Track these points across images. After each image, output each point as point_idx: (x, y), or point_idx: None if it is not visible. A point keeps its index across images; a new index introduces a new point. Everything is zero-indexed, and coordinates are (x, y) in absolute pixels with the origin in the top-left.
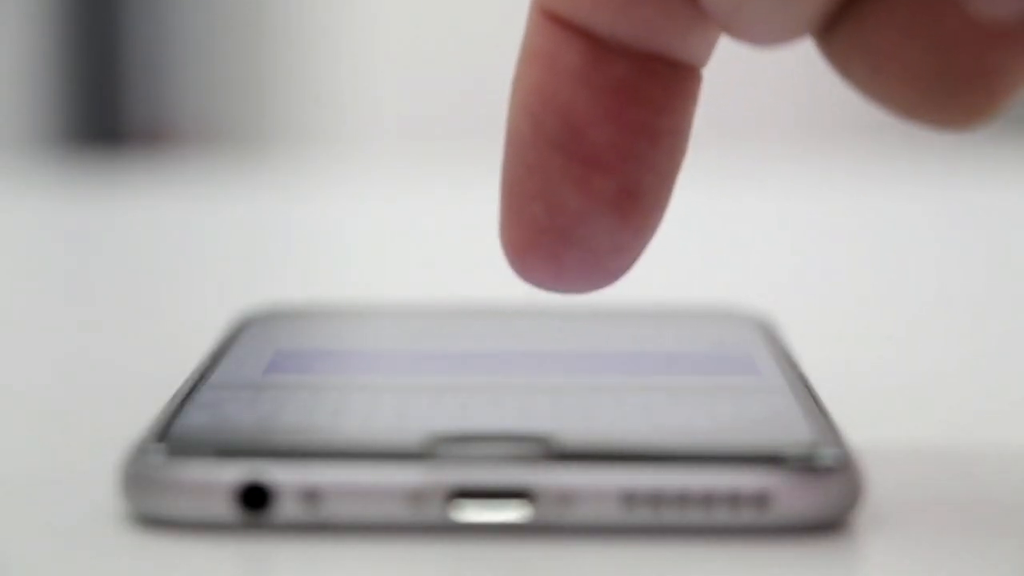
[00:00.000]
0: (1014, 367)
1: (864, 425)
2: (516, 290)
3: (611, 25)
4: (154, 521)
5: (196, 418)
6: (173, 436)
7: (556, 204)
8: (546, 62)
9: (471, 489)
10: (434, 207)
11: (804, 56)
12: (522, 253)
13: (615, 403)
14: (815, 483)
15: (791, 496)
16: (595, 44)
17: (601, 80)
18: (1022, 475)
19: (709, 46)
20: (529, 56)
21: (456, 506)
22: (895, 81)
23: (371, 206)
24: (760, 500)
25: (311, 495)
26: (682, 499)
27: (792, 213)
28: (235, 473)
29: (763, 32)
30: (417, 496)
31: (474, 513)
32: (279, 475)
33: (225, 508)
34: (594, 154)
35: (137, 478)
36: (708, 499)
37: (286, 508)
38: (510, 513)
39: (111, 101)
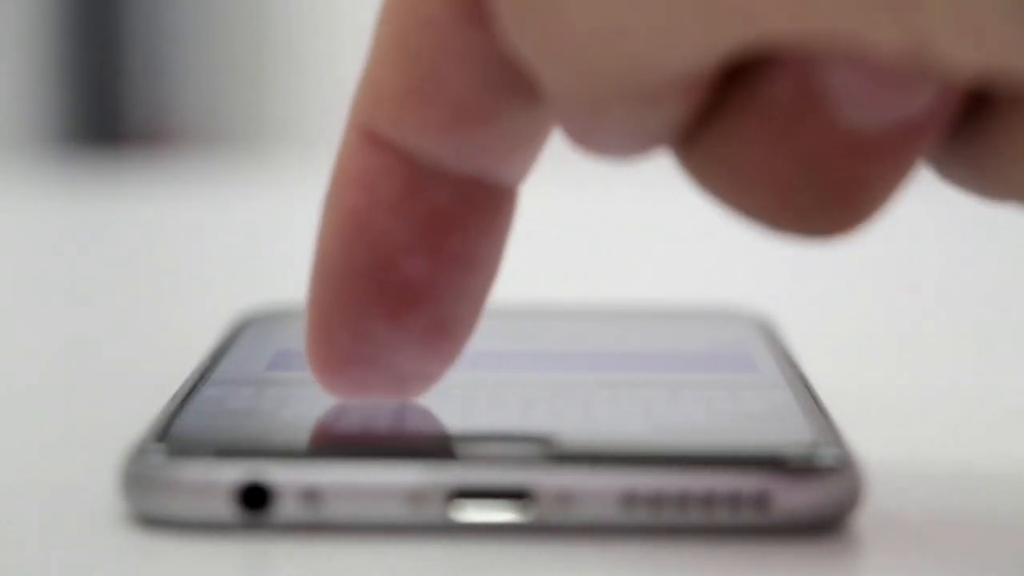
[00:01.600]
0: (1015, 368)
1: (864, 425)
2: (516, 290)
3: (436, 149)
4: (154, 521)
5: (196, 418)
6: (173, 436)
7: (363, 334)
8: (363, 187)
9: (471, 489)
10: None
11: None
12: (327, 375)
13: (615, 403)
14: (815, 483)
15: (791, 496)
16: (415, 171)
17: (419, 211)
18: (1022, 476)
19: (530, 165)
20: (344, 178)
21: (456, 506)
22: (759, 194)
23: None
24: (760, 500)
25: (311, 495)
26: (682, 499)
27: None
28: (235, 473)
29: (614, 148)
30: (417, 496)
31: (474, 513)
32: (279, 475)
33: (225, 508)
34: (406, 288)
35: (137, 478)
36: (708, 499)
37: (286, 508)
38: (510, 513)
39: (111, 101)
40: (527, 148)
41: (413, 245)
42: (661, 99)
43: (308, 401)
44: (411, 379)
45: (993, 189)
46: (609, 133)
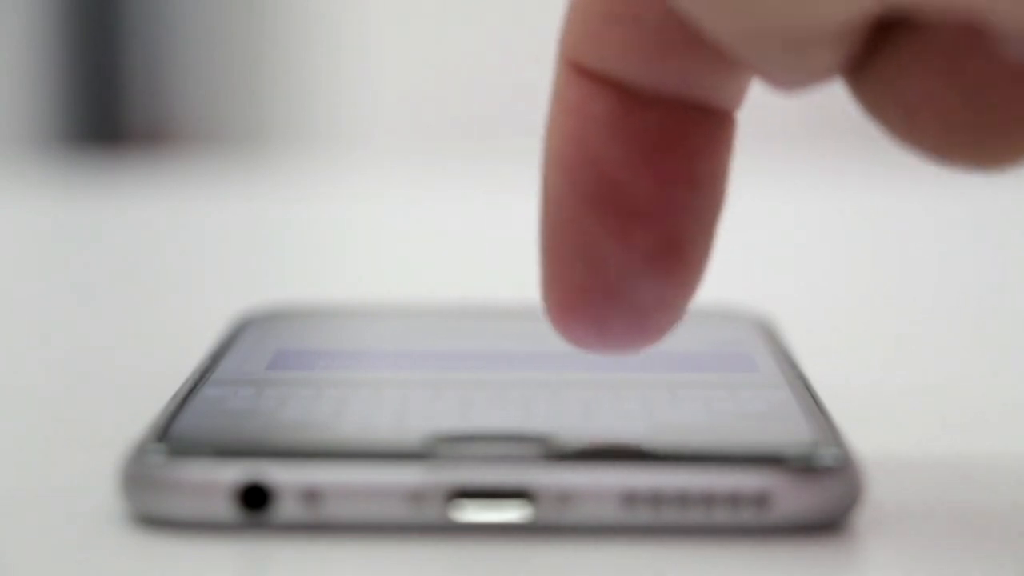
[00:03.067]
0: (1015, 368)
1: (864, 425)
2: (516, 290)
3: (641, 75)
4: (154, 521)
5: (196, 418)
6: (173, 436)
7: (597, 261)
8: (576, 114)
9: (471, 489)
10: (434, 207)
11: None
12: (565, 315)
13: (615, 403)
14: (815, 483)
15: (791, 496)
16: (626, 94)
17: (634, 130)
18: (1022, 475)
19: (741, 91)
20: (558, 109)
21: (456, 506)
22: (928, 125)
23: (371, 206)
24: (760, 500)
25: (311, 495)
26: (682, 499)
27: (793, 213)
28: (235, 473)
29: (789, 77)
30: (417, 496)
31: (474, 513)
32: (279, 475)
33: (225, 508)
34: (633, 208)
35: (137, 478)
36: (708, 499)
37: (286, 508)
38: (510, 513)
39: (111, 101)
40: (733, 75)
41: (633, 166)
42: (819, 45)
43: (308, 401)
44: (650, 311)
45: (874, 115)
46: (777, 71)
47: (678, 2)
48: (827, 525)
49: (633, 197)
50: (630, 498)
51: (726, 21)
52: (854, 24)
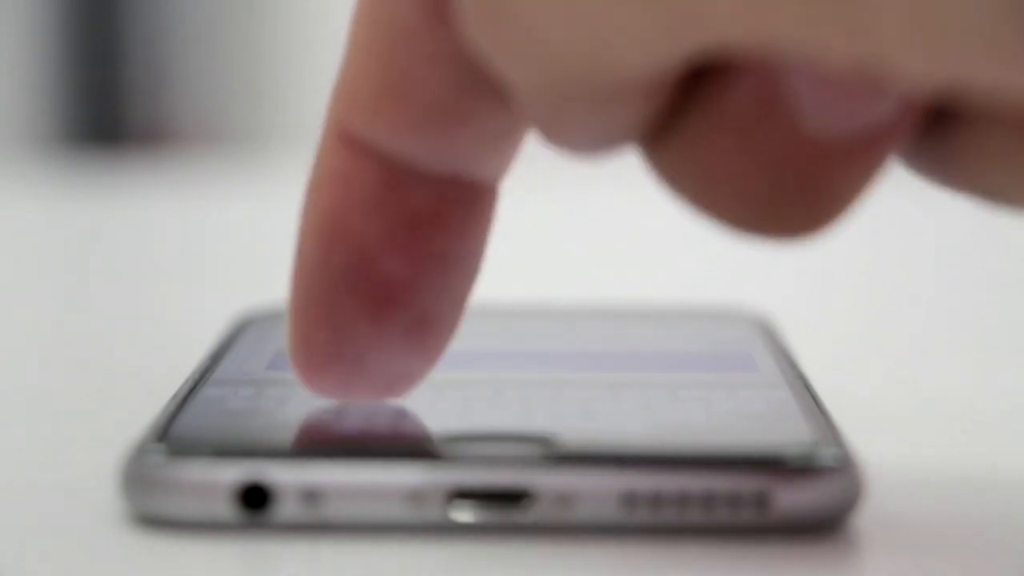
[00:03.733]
0: (1015, 369)
1: (864, 425)
2: (516, 290)
3: (412, 148)
4: (154, 521)
5: (196, 418)
6: (173, 436)
7: (344, 334)
8: (339, 188)
9: (471, 489)
10: None
11: None
12: (310, 376)
13: (615, 403)
14: (815, 483)
15: (791, 496)
16: (391, 169)
17: (396, 209)
18: (1022, 476)
19: (508, 162)
20: (322, 179)
21: (456, 506)
22: (724, 197)
23: None
24: (760, 500)
25: (311, 495)
26: (682, 499)
27: None
28: (235, 473)
29: (582, 146)
30: (417, 496)
31: (474, 513)
32: (279, 475)
33: (225, 508)
34: (386, 286)
35: (137, 478)
36: (708, 499)
37: (286, 508)
38: (510, 513)
39: (111, 101)
40: (503, 147)
41: (390, 244)
42: (622, 100)
43: (308, 401)
44: (395, 379)
45: (960, 187)
46: (574, 132)
47: (480, 47)
48: (827, 525)
49: (387, 277)
50: (630, 498)
51: (529, 72)
52: (660, 74)
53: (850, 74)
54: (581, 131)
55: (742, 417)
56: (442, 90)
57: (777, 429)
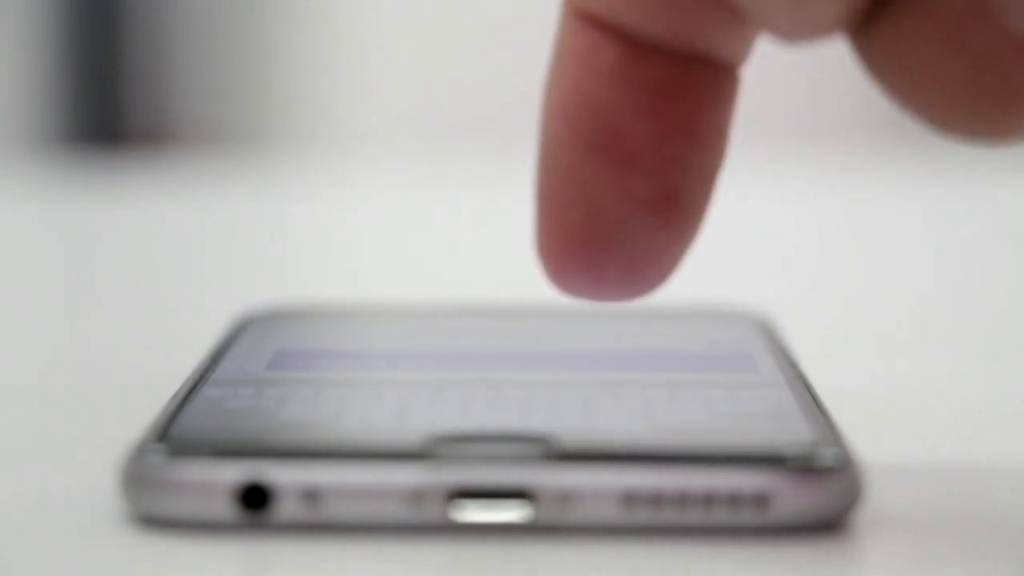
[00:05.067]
0: (1015, 367)
1: (864, 425)
2: (516, 290)
3: (648, 24)
4: (154, 521)
5: (196, 418)
6: (173, 436)
7: (595, 209)
8: (581, 63)
9: (471, 489)
10: (434, 207)
11: (805, 56)
12: (560, 262)
13: (615, 403)
14: (815, 483)
15: (791, 496)
16: (632, 44)
17: (639, 79)
18: (1022, 475)
19: (747, 45)
20: (563, 57)
21: (456, 506)
22: (928, 91)
23: (371, 206)
24: (760, 500)
25: (311, 495)
26: (682, 499)
27: (792, 213)
28: (235, 473)
29: (792, 28)
30: (417, 496)
31: (474, 513)
32: (279, 475)
33: (225, 508)
34: (633, 156)
35: (137, 478)
36: (708, 499)
37: (286, 508)
38: (510, 513)
39: (111, 101)
40: (738, 28)
41: (636, 113)
42: None
43: (308, 401)
44: (645, 264)
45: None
46: (785, 18)
47: None
48: (827, 525)
49: (633, 146)
50: (630, 498)
51: None
52: None
53: None
54: (791, 19)
55: (742, 417)
56: None
57: (777, 429)
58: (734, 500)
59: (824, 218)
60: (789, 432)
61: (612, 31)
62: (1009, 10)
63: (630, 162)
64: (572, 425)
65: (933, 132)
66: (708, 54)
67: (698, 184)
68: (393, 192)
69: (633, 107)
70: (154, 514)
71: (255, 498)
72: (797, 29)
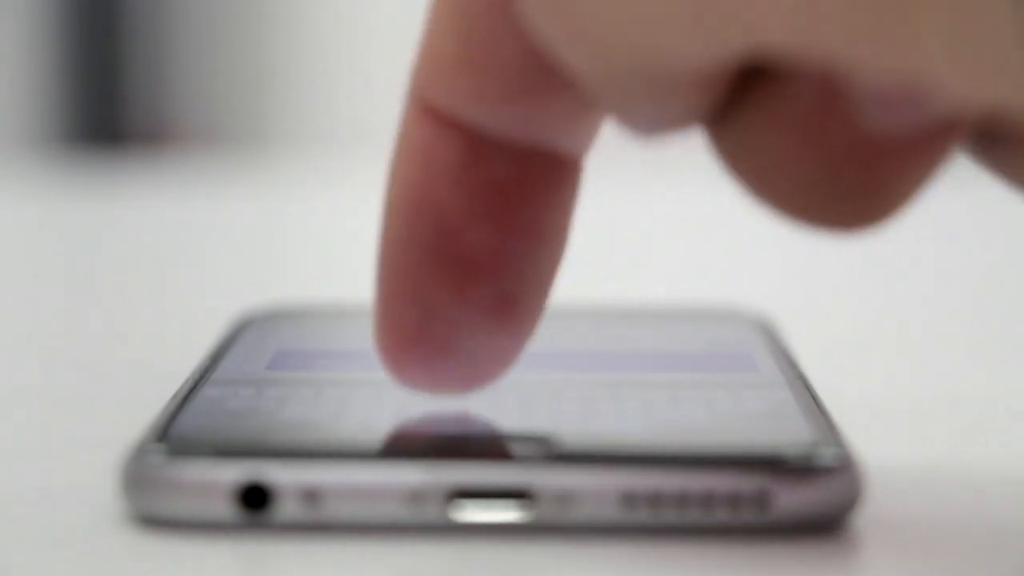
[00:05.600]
0: (1015, 368)
1: (864, 425)
2: None
3: (491, 119)
4: (154, 521)
5: (196, 418)
6: (173, 436)
7: (431, 311)
8: (423, 158)
9: (471, 489)
10: None
11: None
12: (397, 359)
13: (615, 403)
14: (815, 483)
15: (791, 496)
16: (474, 140)
17: (479, 179)
18: (1021, 476)
19: (590, 138)
20: (404, 152)
21: (456, 506)
22: (782, 185)
23: (371, 206)
24: (760, 500)
25: (311, 495)
26: (682, 499)
27: None
28: (235, 473)
29: (646, 123)
30: (417, 496)
31: (474, 513)
32: (279, 475)
33: (225, 508)
34: (471, 259)
35: (137, 478)
36: (708, 499)
37: (286, 508)
38: (510, 513)
39: (111, 101)
40: (584, 121)
41: (475, 215)
42: (678, 91)
43: (308, 401)
44: (483, 363)
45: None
46: (635, 116)
47: (539, 37)
48: (827, 525)
49: (472, 248)
50: (630, 498)
51: (585, 59)
52: (714, 69)
53: (895, 86)
54: (642, 115)
55: (742, 417)
56: (519, 63)
57: (777, 429)
58: (734, 500)
59: None
60: (789, 432)
61: (454, 125)
62: (863, 108)
63: (468, 266)
64: (572, 425)
65: (788, 223)
66: (551, 148)
67: (537, 283)
68: None
69: (472, 208)
70: (154, 514)
71: (255, 498)
72: (653, 123)
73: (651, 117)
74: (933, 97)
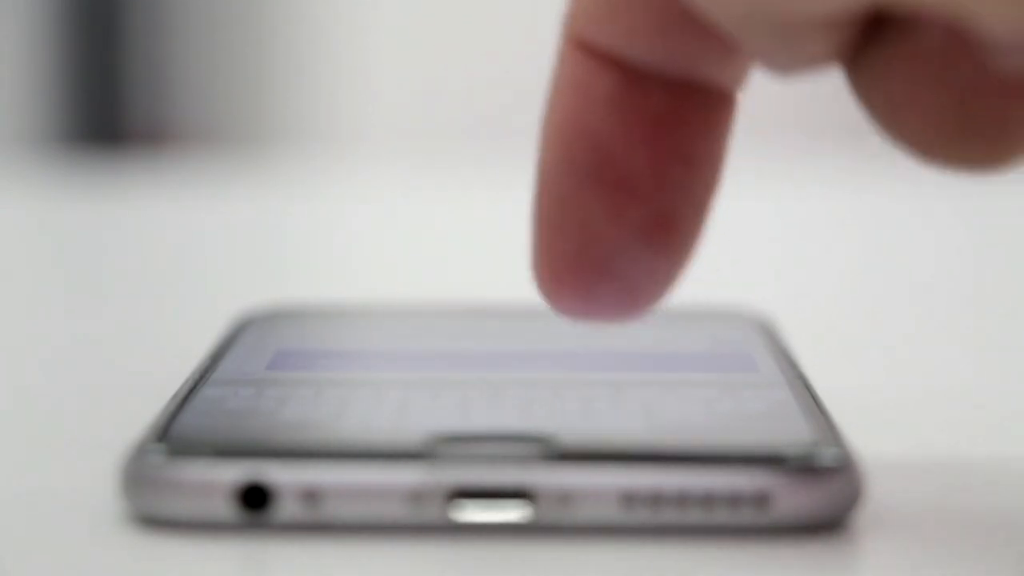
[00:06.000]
0: (1015, 367)
1: (864, 425)
2: (516, 290)
3: (645, 53)
4: (154, 521)
5: (196, 418)
6: (173, 436)
7: (590, 234)
8: (578, 91)
9: (471, 489)
10: (434, 206)
11: None
12: (556, 285)
13: (615, 403)
14: (815, 483)
15: (791, 496)
16: (629, 72)
17: (635, 109)
18: (1022, 475)
19: (743, 72)
20: (560, 86)
21: (456, 506)
22: (912, 124)
23: (371, 206)
24: (760, 500)
25: (311, 495)
26: (682, 499)
27: (792, 213)
28: (235, 473)
29: (784, 62)
30: (417, 496)
31: (474, 513)
32: (279, 475)
33: (225, 508)
34: (628, 183)
35: (137, 478)
36: (708, 499)
37: (286, 508)
38: (510, 513)
39: (111, 101)
40: (734, 57)
41: (631, 141)
42: (811, 35)
43: (308, 401)
44: (639, 287)
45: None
46: (774, 55)
47: None
48: (827, 525)
49: (629, 174)
50: (630, 498)
51: (720, 5)
52: (842, 16)
53: (1018, 39)
54: (780, 55)
55: (742, 417)
56: (667, 4)
57: (777, 429)
58: (734, 500)
59: (824, 218)
60: (789, 432)
61: (608, 60)
62: (995, 48)
63: (625, 189)
64: (572, 425)
65: (918, 162)
66: (704, 82)
67: (693, 208)
68: (393, 192)
69: (629, 136)
70: (154, 514)
71: (255, 498)
72: (790, 62)
73: (787, 58)
74: None
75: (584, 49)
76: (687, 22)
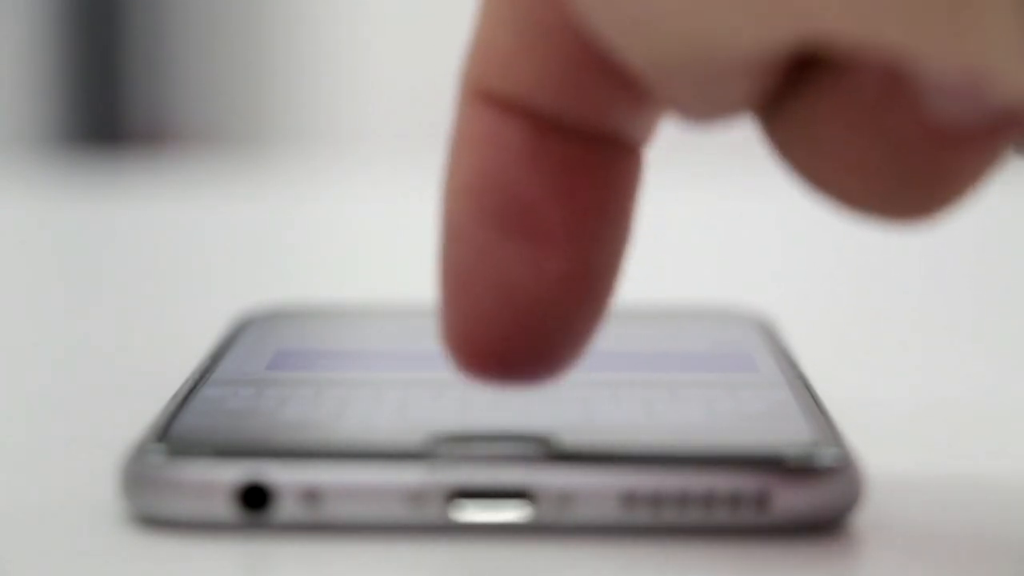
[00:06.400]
0: (1015, 370)
1: (864, 425)
2: None
3: (552, 101)
4: (154, 521)
5: (196, 418)
6: (173, 436)
7: (508, 291)
8: (488, 142)
9: (471, 489)
10: (434, 207)
11: None
12: (472, 348)
13: (615, 403)
14: (815, 483)
15: (791, 496)
16: (538, 124)
17: (548, 158)
18: (1021, 478)
19: (650, 126)
20: (466, 139)
21: (456, 506)
22: (840, 174)
23: (371, 206)
24: (760, 500)
25: (311, 495)
26: (682, 499)
27: (792, 213)
28: (235, 473)
29: (699, 109)
30: (417, 496)
31: (474, 513)
32: (279, 475)
33: (225, 508)
34: (546, 233)
35: (137, 478)
36: (708, 499)
37: (286, 508)
38: (510, 513)
39: (111, 101)
40: (643, 109)
41: (546, 190)
42: (730, 79)
43: (308, 401)
44: (558, 344)
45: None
46: (688, 103)
47: (591, 26)
48: (827, 525)
49: (546, 223)
50: (630, 498)
51: (637, 48)
52: (767, 58)
53: (959, 81)
54: (695, 104)
55: (742, 417)
56: (575, 53)
57: (777, 429)
58: (734, 500)
59: (824, 218)
60: (789, 432)
61: (516, 111)
62: (929, 96)
63: (543, 239)
64: (572, 425)
65: (840, 212)
66: (613, 135)
67: (607, 263)
68: (393, 192)
69: (543, 185)
70: (154, 514)
71: (255, 498)
72: (706, 109)
73: (704, 105)
74: (997, 90)
75: (488, 100)
76: (595, 68)
